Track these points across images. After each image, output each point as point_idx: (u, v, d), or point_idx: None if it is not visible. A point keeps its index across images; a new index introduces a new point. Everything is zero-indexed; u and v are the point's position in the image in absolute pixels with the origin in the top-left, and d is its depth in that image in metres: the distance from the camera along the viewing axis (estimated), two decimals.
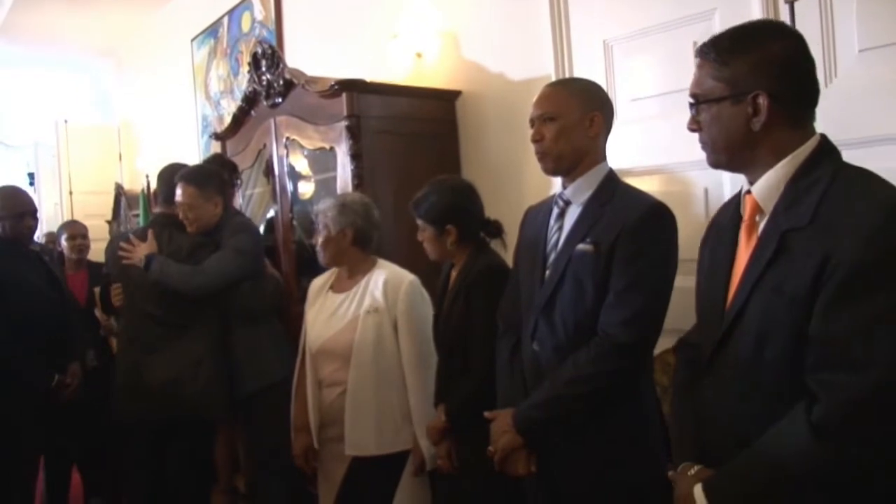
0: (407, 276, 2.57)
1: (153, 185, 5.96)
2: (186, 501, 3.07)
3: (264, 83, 3.70)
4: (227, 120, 4.42)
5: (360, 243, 2.60)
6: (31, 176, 8.28)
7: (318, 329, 2.63)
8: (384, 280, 2.54)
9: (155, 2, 6.56)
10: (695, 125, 1.42)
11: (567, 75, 2.93)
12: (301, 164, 3.78)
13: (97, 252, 4.20)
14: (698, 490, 1.31)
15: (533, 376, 1.92)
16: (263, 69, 3.70)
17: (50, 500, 3.66)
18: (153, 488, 3.06)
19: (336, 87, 3.16)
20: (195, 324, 3.02)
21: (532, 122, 1.95)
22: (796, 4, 2.19)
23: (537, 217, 2.06)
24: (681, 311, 1.82)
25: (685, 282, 1.76)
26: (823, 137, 1.34)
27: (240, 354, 3.11)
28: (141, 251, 3.01)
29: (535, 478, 1.91)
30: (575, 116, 1.89)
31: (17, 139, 8.50)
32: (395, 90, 3.38)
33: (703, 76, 1.39)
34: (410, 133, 3.33)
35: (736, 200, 1.49)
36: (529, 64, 3.13)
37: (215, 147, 4.68)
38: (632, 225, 1.78)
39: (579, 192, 1.91)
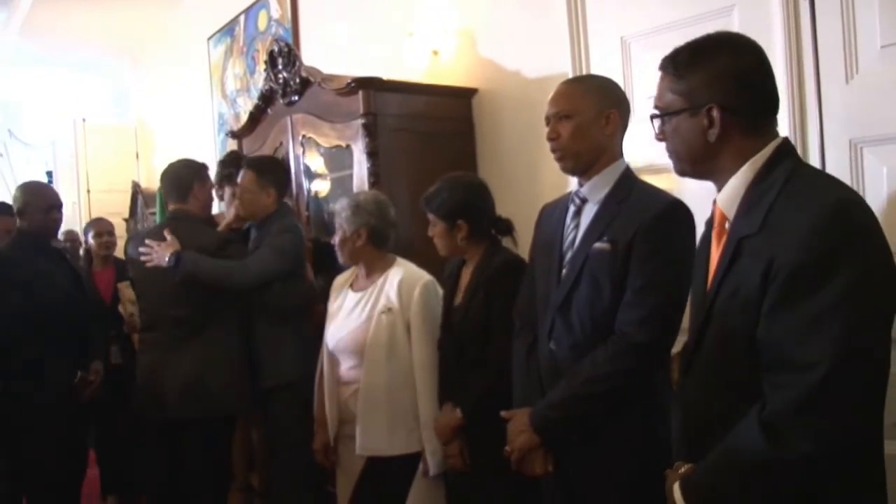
0: (423, 277, 2.56)
1: None
2: (206, 499, 3.06)
3: (281, 81, 3.71)
4: (244, 118, 4.44)
5: (376, 243, 2.60)
6: (50, 174, 8.35)
7: (336, 326, 2.64)
8: (399, 280, 2.53)
9: (171, 1, 6.58)
10: (661, 136, 1.46)
11: (584, 72, 2.91)
12: (317, 162, 3.78)
13: (122, 249, 4.24)
14: (676, 488, 1.35)
15: (550, 375, 1.91)
16: (280, 67, 3.71)
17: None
18: (171, 485, 3.06)
19: (352, 84, 3.16)
20: (215, 322, 3.00)
21: (548, 121, 1.94)
22: (817, 1, 2.17)
23: (553, 215, 2.05)
24: None
25: None
26: (783, 141, 1.36)
27: (262, 351, 3.12)
28: (164, 250, 2.94)
29: (552, 477, 1.90)
30: (591, 114, 1.88)
31: (36, 138, 8.57)
32: (411, 88, 3.38)
33: (663, 89, 1.43)
34: (427, 131, 3.33)
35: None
36: (546, 61, 3.11)
37: (231, 145, 4.70)
38: (648, 223, 1.77)
39: (596, 190, 1.91)
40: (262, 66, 4.56)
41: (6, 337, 3.01)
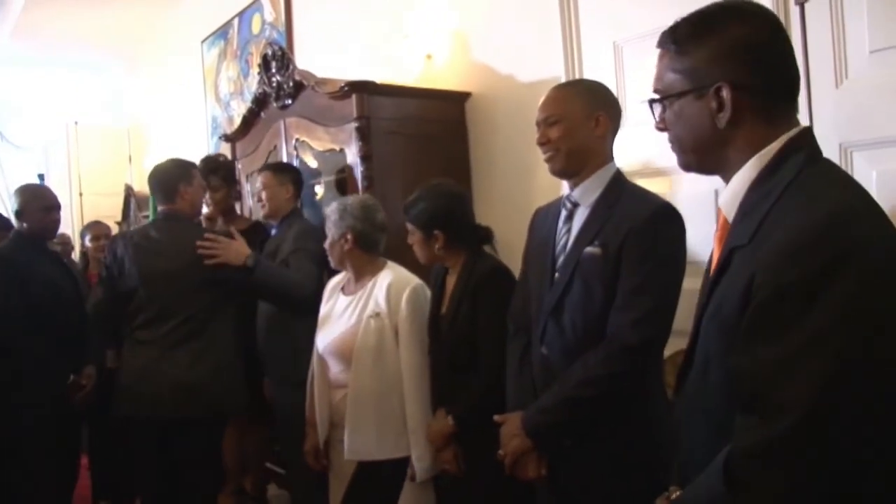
0: (411, 282, 2.56)
1: None
2: (202, 501, 3.03)
3: (274, 85, 3.71)
4: (237, 121, 4.44)
5: (363, 247, 2.59)
6: (42, 177, 8.29)
7: (326, 329, 2.64)
8: (388, 284, 2.53)
9: (165, 3, 6.58)
10: (661, 124, 1.26)
11: (577, 77, 2.93)
12: (311, 165, 3.79)
13: None
14: None
15: (542, 379, 1.92)
16: (273, 71, 3.72)
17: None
18: (164, 488, 3.03)
19: (346, 88, 3.17)
20: (217, 321, 2.94)
21: (538, 126, 1.95)
22: (807, 6, 2.19)
23: (546, 218, 2.07)
24: (689, 313, 1.82)
25: (694, 283, 1.76)
26: (798, 133, 1.16)
27: (271, 352, 3.11)
28: (238, 250, 2.85)
29: (546, 481, 1.91)
30: (579, 118, 1.90)
31: (28, 140, 8.53)
32: (405, 92, 3.39)
33: (662, 69, 1.24)
34: (420, 134, 3.34)
35: None
36: (539, 65, 3.13)
37: (225, 149, 4.70)
38: (639, 227, 1.78)
39: (587, 194, 1.92)
40: (255, 70, 4.56)
41: (4, 337, 3.01)
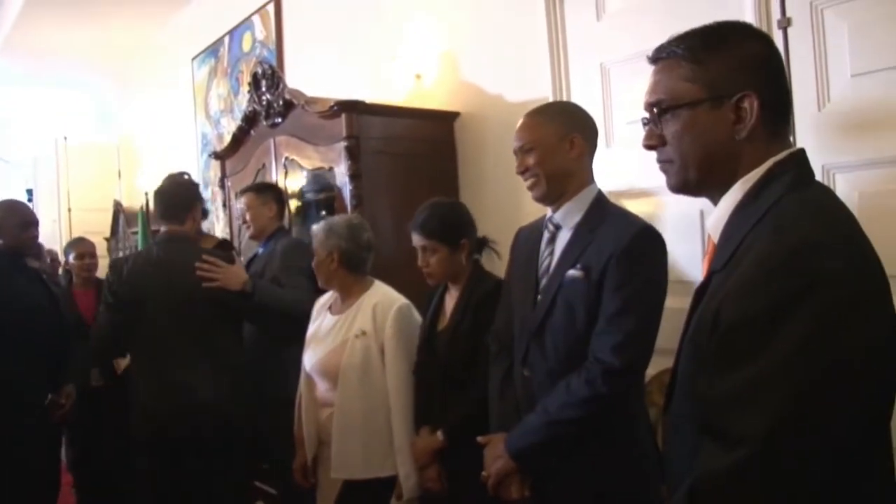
0: (397, 301, 2.56)
1: (152, 204, 5.99)
2: None
3: (264, 103, 3.73)
4: (227, 139, 4.46)
5: (349, 266, 2.59)
6: (30, 192, 8.29)
7: (313, 348, 2.64)
8: (374, 304, 2.53)
9: (156, 21, 6.60)
10: (655, 140, 1.22)
11: (564, 98, 2.96)
12: (300, 183, 3.80)
13: (104, 269, 4.19)
14: None
15: (525, 400, 1.92)
16: (263, 89, 3.73)
17: None
18: None
19: (336, 107, 3.19)
20: (226, 337, 2.92)
21: (516, 154, 1.97)
22: (790, 30, 2.23)
23: (529, 239, 2.07)
24: (675, 332, 1.83)
25: (677, 302, 1.77)
26: (787, 155, 1.14)
27: (258, 370, 3.10)
28: (237, 274, 2.86)
29: (529, 502, 1.91)
30: (553, 142, 1.90)
31: (17, 155, 8.52)
32: (394, 111, 3.41)
33: (670, 79, 1.19)
34: (409, 154, 3.36)
35: None
36: (527, 86, 3.16)
37: (215, 166, 4.71)
38: (621, 250, 1.78)
39: (569, 217, 1.92)
40: (245, 88, 4.58)
41: None
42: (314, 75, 4.56)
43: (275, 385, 3.02)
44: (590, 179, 1.96)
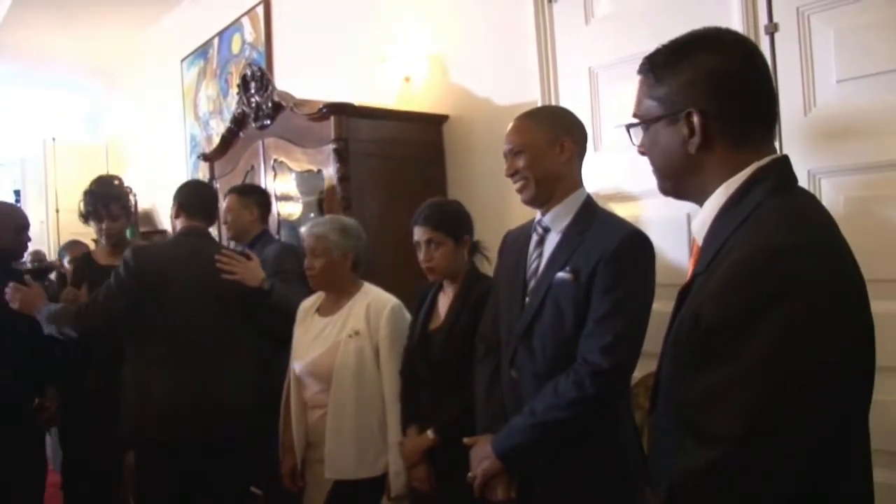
0: (390, 301, 2.57)
1: (140, 204, 5.96)
2: None
3: (253, 105, 3.73)
4: (216, 140, 4.45)
5: (355, 267, 2.62)
6: (18, 193, 8.23)
7: (303, 351, 2.63)
8: (367, 304, 2.54)
9: (145, 21, 6.58)
10: (642, 148, 1.29)
11: (553, 101, 2.96)
12: (289, 185, 3.80)
13: None
14: None
15: (512, 402, 1.93)
16: (252, 91, 3.73)
17: None
18: None
19: (324, 110, 3.19)
20: (246, 337, 2.89)
21: (505, 157, 1.98)
22: (776, 35, 2.24)
23: (517, 242, 2.08)
24: (659, 335, 1.84)
25: (665, 306, 1.78)
26: (770, 161, 1.17)
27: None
28: (255, 271, 2.85)
29: (516, 503, 1.91)
30: (543, 145, 1.92)
31: (4, 156, 8.46)
32: (382, 114, 3.41)
33: (641, 95, 1.26)
34: (398, 156, 3.36)
35: None
36: (516, 89, 3.16)
37: (203, 168, 4.68)
38: (610, 254, 1.79)
39: (558, 220, 1.94)
40: (235, 89, 4.57)
41: None
42: (303, 77, 4.56)
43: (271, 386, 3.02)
44: (579, 183, 1.97)
